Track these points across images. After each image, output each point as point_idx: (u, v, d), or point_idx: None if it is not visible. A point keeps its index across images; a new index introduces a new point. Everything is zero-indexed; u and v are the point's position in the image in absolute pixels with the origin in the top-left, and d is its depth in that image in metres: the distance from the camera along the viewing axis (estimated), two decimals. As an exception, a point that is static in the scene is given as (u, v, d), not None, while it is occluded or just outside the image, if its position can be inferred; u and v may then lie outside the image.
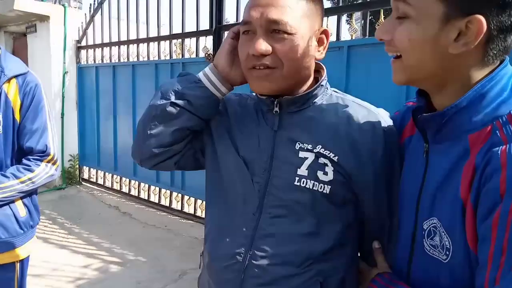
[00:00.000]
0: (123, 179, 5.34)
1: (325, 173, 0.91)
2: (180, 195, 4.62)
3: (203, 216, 4.37)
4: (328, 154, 0.92)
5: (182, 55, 4.50)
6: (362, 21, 3.20)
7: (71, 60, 5.81)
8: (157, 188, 4.87)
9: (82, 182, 5.98)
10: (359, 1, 3.38)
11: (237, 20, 3.77)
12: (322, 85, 0.99)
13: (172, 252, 3.70)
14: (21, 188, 1.46)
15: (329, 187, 0.91)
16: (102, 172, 5.69)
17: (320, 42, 0.97)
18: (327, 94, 1.01)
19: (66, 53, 5.73)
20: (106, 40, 5.33)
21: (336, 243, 0.94)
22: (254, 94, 1.06)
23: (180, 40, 4.56)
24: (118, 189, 5.42)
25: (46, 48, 5.66)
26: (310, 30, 0.93)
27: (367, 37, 3.01)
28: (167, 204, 4.77)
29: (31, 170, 1.49)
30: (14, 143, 1.50)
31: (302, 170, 0.92)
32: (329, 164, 0.92)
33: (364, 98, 1.02)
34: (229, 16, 4.20)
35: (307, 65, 0.95)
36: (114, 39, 5.22)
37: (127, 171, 5.18)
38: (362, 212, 0.99)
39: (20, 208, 1.52)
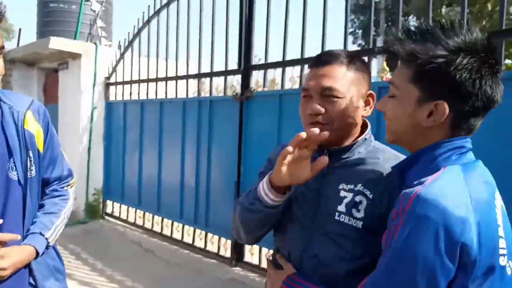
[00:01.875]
0: (147, 214, 5.32)
1: (358, 211, 1.11)
2: (203, 232, 4.57)
3: (227, 255, 4.28)
4: (366, 191, 1.12)
5: (210, 93, 4.55)
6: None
7: (100, 96, 5.96)
8: (180, 225, 4.82)
9: (105, 217, 5.99)
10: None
11: (265, 60, 3.84)
12: (365, 138, 1.20)
13: (196, 293, 3.61)
14: (66, 221, 1.45)
15: (361, 222, 1.10)
16: (126, 207, 5.69)
17: (367, 103, 1.21)
18: (370, 146, 1.21)
19: (96, 89, 5.89)
20: (135, 77, 5.46)
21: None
22: None
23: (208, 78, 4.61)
24: (141, 224, 5.39)
25: (76, 84, 5.84)
26: (357, 94, 1.16)
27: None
28: (190, 241, 4.71)
29: (67, 199, 1.47)
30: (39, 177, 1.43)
31: (342, 207, 1.13)
32: (364, 202, 1.11)
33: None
34: (258, 54, 4.24)
35: (353, 121, 1.18)
36: (143, 76, 5.35)
37: (151, 206, 5.17)
38: None
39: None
